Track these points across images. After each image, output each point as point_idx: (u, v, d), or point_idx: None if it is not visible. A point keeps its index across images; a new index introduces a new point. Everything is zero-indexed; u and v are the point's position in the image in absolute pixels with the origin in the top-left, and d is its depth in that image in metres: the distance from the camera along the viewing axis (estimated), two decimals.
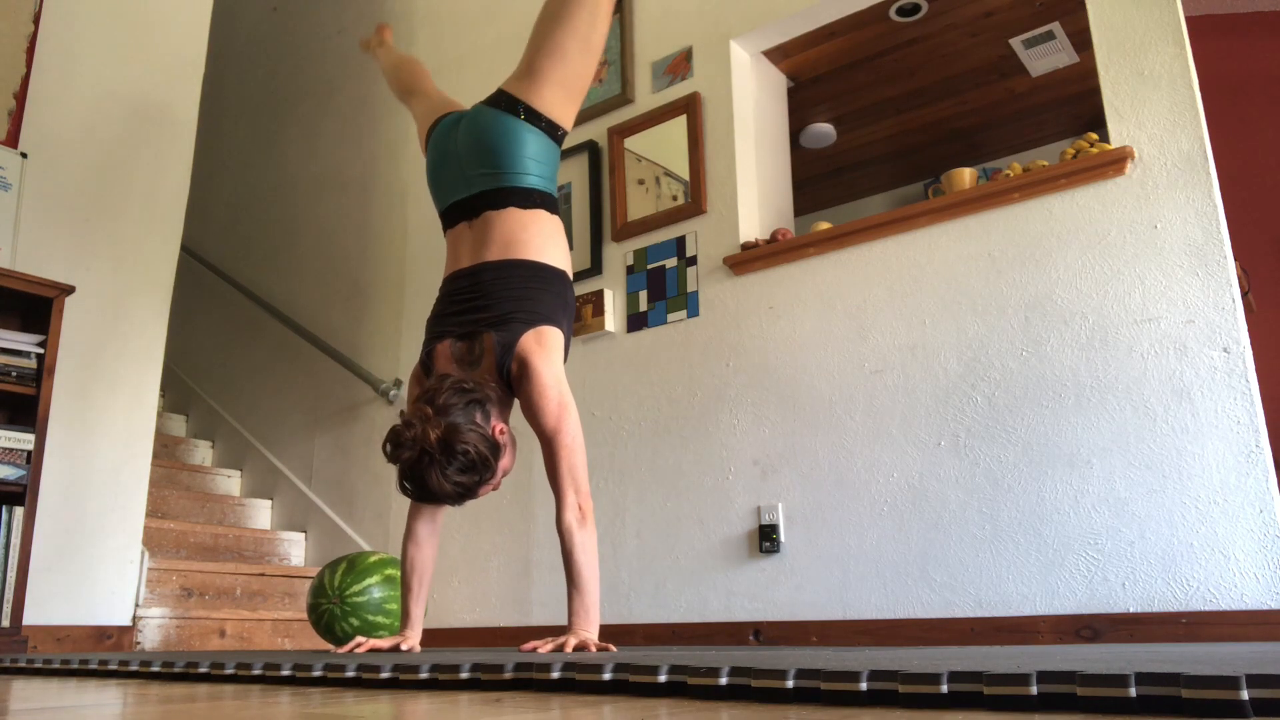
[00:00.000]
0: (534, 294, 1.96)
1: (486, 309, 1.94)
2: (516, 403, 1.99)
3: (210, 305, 4.73)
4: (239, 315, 4.56)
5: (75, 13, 3.19)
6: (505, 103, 2.09)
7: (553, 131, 2.10)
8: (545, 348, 1.90)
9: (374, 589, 2.53)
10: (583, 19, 2.06)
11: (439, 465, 1.74)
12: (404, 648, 1.94)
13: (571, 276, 2.09)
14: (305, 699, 0.98)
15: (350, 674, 1.20)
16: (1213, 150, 2.30)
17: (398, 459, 1.75)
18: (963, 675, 0.77)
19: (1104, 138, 2.92)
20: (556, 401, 1.87)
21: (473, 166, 2.09)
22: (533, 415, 1.89)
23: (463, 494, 1.80)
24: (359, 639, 1.94)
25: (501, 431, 1.86)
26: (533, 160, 2.07)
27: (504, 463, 1.86)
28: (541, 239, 2.03)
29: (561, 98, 2.09)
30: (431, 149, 2.19)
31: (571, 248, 3.39)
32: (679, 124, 3.19)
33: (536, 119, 2.07)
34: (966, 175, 2.67)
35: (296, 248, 4.44)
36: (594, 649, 1.74)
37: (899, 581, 2.49)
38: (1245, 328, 2.17)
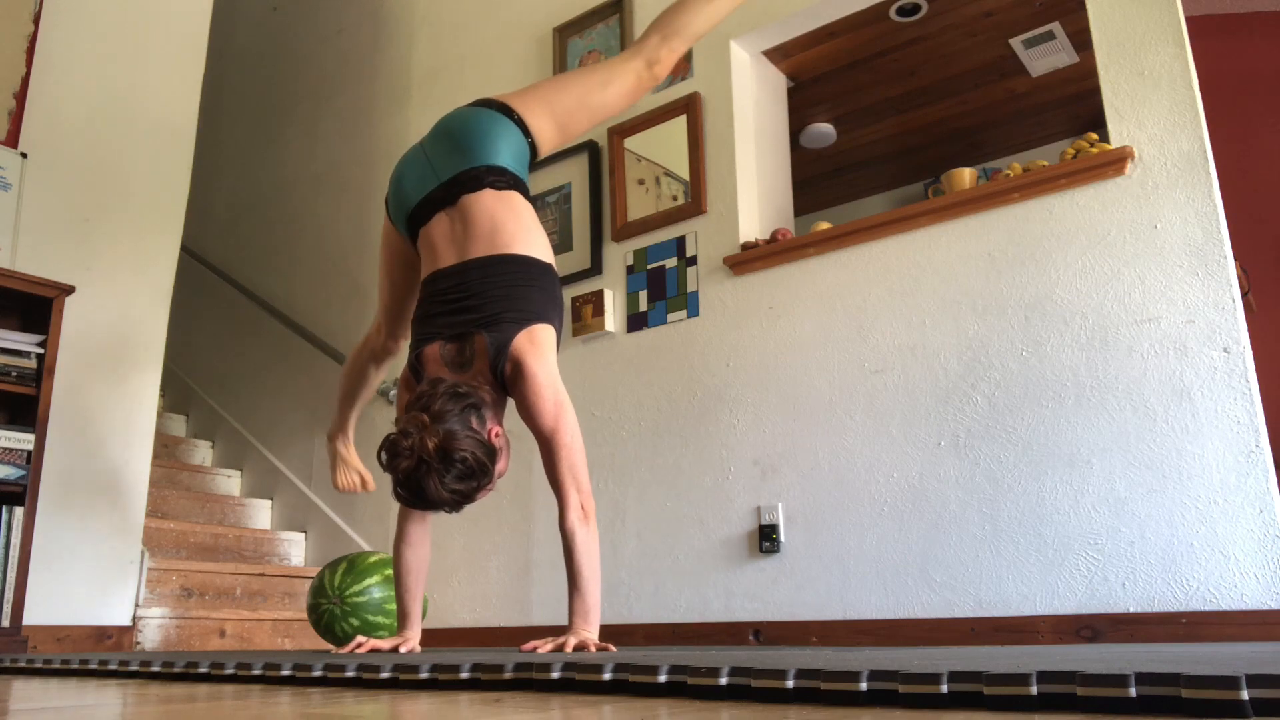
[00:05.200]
0: (523, 291, 1.91)
1: (475, 309, 1.90)
2: (511, 402, 1.98)
3: (210, 305, 4.73)
4: (239, 315, 4.56)
5: (75, 13, 3.19)
6: (487, 103, 2.08)
7: (528, 138, 2.07)
8: (538, 346, 1.87)
9: (374, 589, 2.53)
10: (598, 76, 2.13)
11: (437, 474, 1.71)
12: (404, 648, 1.94)
13: (555, 267, 2.05)
14: (305, 699, 0.98)
15: (350, 674, 1.20)
16: (1213, 150, 2.30)
17: (395, 469, 1.73)
18: (963, 675, 0.77)
19: (1104, 138, 2.92)
20: (553, 401, 1.85)
21: (441, 157, 2.03)
22: (529, 416, 1.87)
23: (460, 501, 1.78)
24: (359, 639, 1.94)
25: (497, 435, 1.84)
26: (507, 150, 2.03)
27: (500, 466, 1.84)
28: (524, 230, 1.98)
29: (547, 120, 2.07)
30: (394, 173, 2.13)
31: (571, 248, 3.39)
32: (679, 124, 3.19)
33: (519, 121, 2.06)
34: (966, 175, 2.67)
35: (296, 248, 4.44)
36: (594, 649, 1.74)
37: (899, 581, 2.49)
38: (1245, 328, 2.17)
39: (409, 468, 1.71)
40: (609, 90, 2.11)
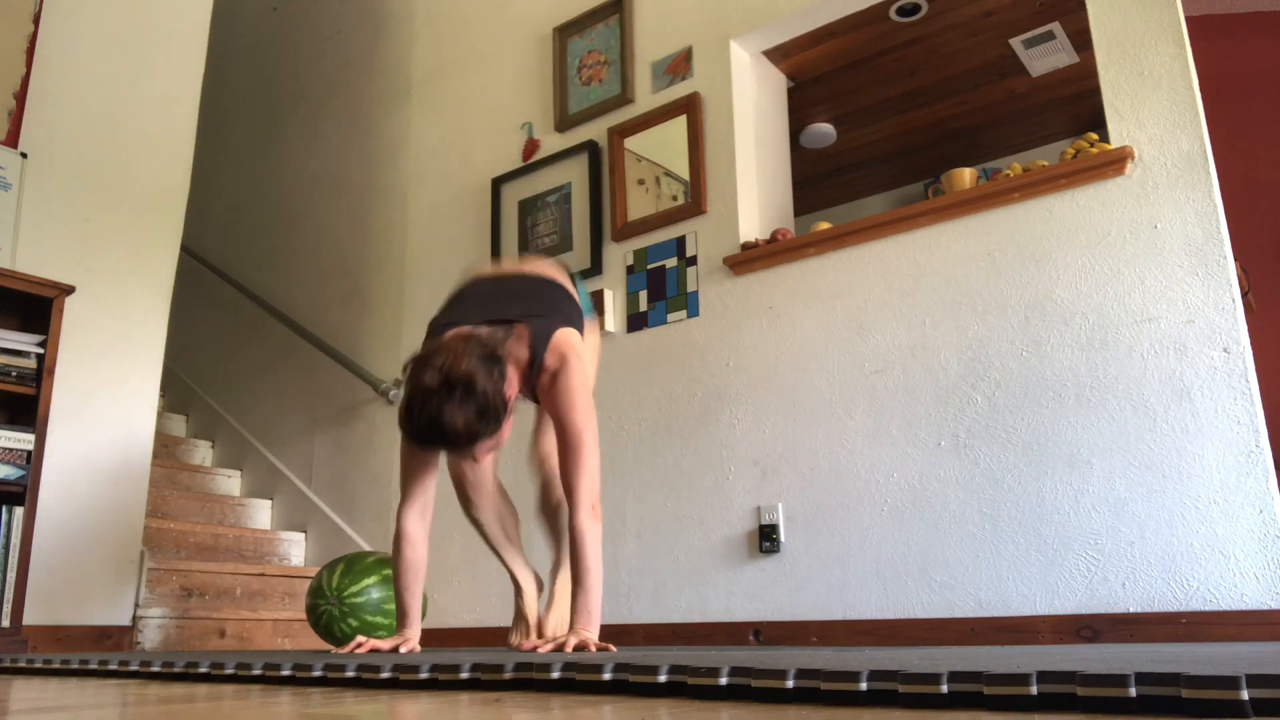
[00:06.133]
0: (560, 304, 2.03)
1: (516, 304, 1.97)
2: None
3: (210, 305, 4.73)
4: (239, 315, 4.56)
5: (75, 13, 3.19)
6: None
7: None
8: (576, 348, 1.94)
9: (372, 590, 2.53)
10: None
11: (458, 400, 1.70)
12: (404, 648, 1.94)
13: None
14: (305, 699, 0.98)
15: (350, 674, 1.20)
16: (1213, 150, 2.30)
17: (418, 383, 1.72)
18: (963, 675, 0.77)
19: (1104, 138, 2.92)
20: (586, 401, 1.90)
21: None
22: (560, 409, 1.89)
23: (465, 438, 1.75)
24: (359, 639, 1.94)
25: (511, 397, 1.85)
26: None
27: (506, 426, 1.84)
28: (557, 275, 2.17)
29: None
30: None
31: (571, 248, 3.39)
32: (679, 124, 3.19)
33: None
34: (966, 175, 2.67)
35: (296, 248, 4.44)
36: (594, 649, 1.74)
37: (899, 581, 2.49)
38: (1245, 328, 2.17)
39: (431, 387, 1.71)
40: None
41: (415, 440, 1.80)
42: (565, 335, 1.94)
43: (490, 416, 1.75)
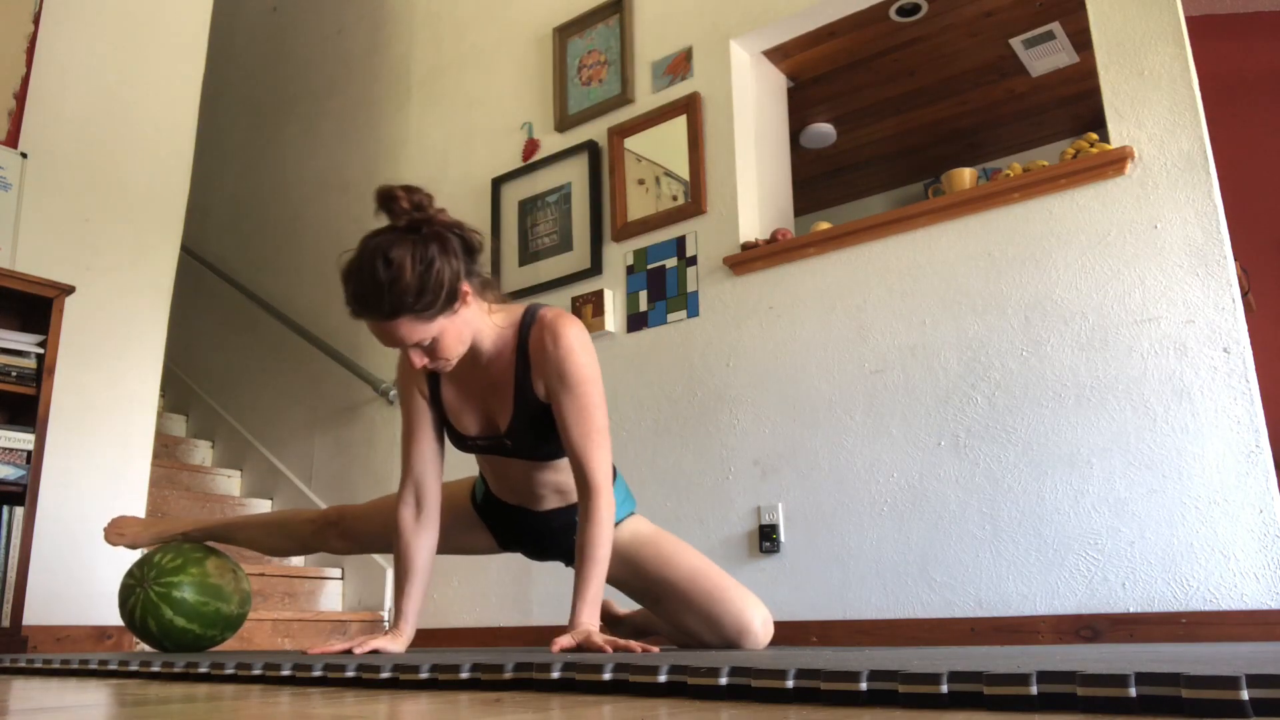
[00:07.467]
0: None
1: None
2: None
3: (210, 305, 4.73)
4: (239, 315, 4.56)
5: (75, 13, 3.19)
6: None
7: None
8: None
9: (186, 586, 2.06)
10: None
11: (420, 247, 1.50)
12: (357, 650, 1.66)
13: None
14: (305, 699, 0.98)
15: (350, 674, 1.20)
16: (1213, 150, 2.30)
17: (391, 205, 1.53)
18: (963, 675, 0.77)
19: (1104, 138, 2.92)
20: (594, 368, 1.71)
21: None
22: (562, 375, 1.67)
23: (411, 296, 1.51)
24: (338, 643, 1.74)
25: (467, 296, 1.61)
26: None
27: (451, 325, 1.59)
28: None
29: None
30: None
31: (571, 248, 3.39)
32: (679, 124, 3.19)
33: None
34: (966, 175, 2.68)
35: (296, 248, 4.44)
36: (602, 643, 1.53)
37: (899, 581, 2.49)
38: (1245, 328, 2.17)
39: (403, 222, 1.55)
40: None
41: (352, 297, 1.55)
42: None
43: (436, 294, 1.53)
